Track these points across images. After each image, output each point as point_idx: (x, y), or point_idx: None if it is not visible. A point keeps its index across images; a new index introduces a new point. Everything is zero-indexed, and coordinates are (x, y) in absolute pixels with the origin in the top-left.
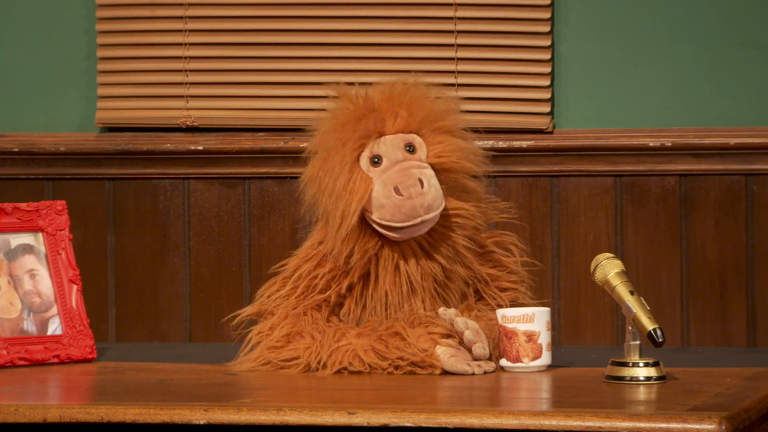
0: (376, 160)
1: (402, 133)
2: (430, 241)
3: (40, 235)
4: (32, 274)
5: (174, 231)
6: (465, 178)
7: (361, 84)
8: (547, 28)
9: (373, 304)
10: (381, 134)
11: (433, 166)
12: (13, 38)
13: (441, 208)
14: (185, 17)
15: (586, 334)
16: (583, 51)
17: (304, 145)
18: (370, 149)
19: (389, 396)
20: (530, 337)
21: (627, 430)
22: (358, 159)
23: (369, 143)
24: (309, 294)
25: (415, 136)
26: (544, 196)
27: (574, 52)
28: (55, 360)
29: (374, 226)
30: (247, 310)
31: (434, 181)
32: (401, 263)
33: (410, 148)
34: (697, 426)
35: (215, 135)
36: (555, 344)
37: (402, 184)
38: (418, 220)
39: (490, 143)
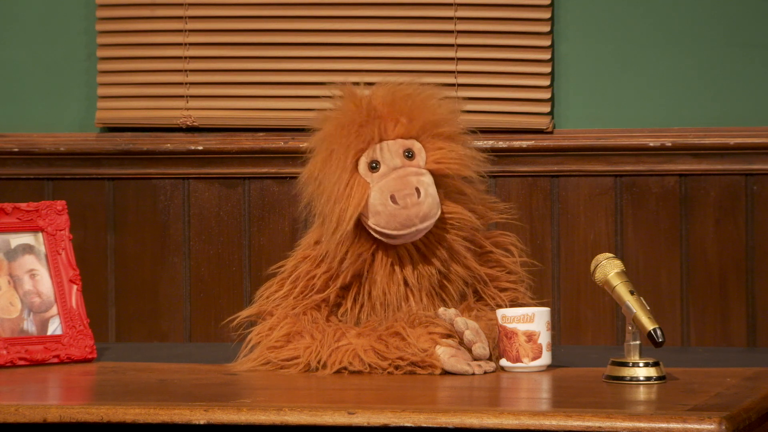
0: (374, 166)
1: (402, 138)
2: (426, 243)
3: (40, 235)
4: (32, 274)
5: (174, 231)
6: (462, 183)
7: (366, 84)
8: (547, 28)
9: (370, 304)
10: (381, 140)
11: (431, 172)
12: (13, 38)
13: (437, 216)
14: (185, 17)
15: (586, 334)
16: (583, 51)
17: (305, 145)
18: (368, 154)
19: (389, 396)
20: (530, 337)
21: (627, 430)
22: (356, 163)
23: (368, 148)
24: (308, 294)
25: (414, 141)
26: (544, 196)
27: (574, 52)
28: (55, 360)
29: (370, 231)
30: (246, 312)
31: (431, 189)
32: (396, 266)
33: (409, 154)
34: (697, 426)
35: (215, 135)
36: (555, 344)
37: (399, 192)
38: (413, 229)
39: (490, 143)
